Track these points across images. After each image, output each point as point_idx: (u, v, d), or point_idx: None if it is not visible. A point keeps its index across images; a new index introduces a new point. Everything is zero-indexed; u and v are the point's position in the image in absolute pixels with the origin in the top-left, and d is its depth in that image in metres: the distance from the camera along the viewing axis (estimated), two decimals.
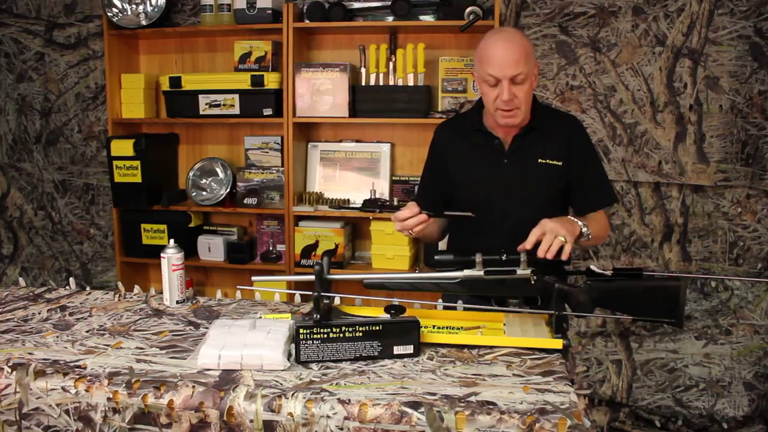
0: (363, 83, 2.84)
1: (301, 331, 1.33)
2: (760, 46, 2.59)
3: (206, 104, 2.91)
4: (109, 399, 1.22)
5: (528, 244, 1.48)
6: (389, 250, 2.85)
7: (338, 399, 1.16)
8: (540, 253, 1.46)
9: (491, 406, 1.14)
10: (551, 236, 1.47)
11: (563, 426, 1.09)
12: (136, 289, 1.88)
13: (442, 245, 2.06)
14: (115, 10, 2.93)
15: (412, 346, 1.37)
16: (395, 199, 2.91)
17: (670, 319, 1.47)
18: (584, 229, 1.61)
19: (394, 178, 2.98)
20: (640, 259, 2.82)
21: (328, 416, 1.15)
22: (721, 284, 2.74)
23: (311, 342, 1.34)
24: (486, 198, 1.78)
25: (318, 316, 1.37)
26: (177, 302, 1.73)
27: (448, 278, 1.47)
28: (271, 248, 3.01)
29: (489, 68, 1.65)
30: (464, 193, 1.83)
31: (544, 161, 1.76)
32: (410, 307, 1.58)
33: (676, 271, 2.75)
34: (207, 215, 3.18)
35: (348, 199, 2.92)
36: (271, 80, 2.84)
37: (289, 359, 1.33)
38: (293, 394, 1.18)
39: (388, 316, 1.38)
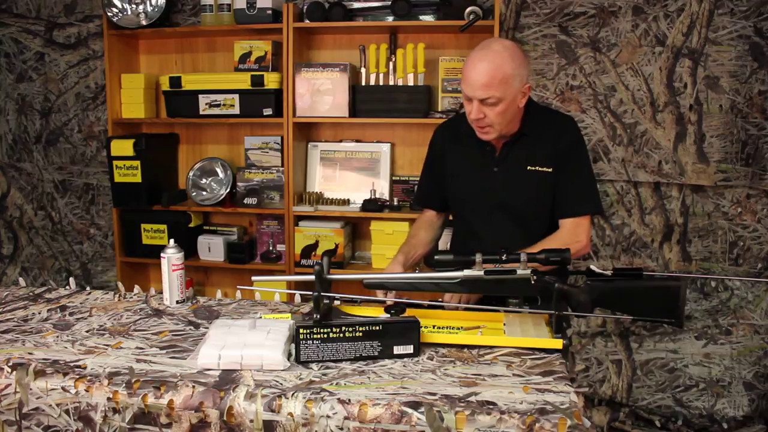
0: (363, 83, 2.84)
1: (301, 331, 1.33)
2: (760, 46, 2.59)
3: (206, 104, 2.91)
4: (109, 399, 1.22)
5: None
6: (389, 250, 2.84)
7: (338, 399, 1.16)
8: None
9: (491, 406, 1.14)
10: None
11: (563, 426, 1.09)
12: (136, 289, 1.88)
13: (443, 246, 2.07)
14: (115, 10, 2.93)
15: (412, 346, 1.37)
16: (395, 199, 2.92)
17: (670, 319, 1.47)
18: None
19: (394, 178, 2.98)
20: (640, 259, 2.82)
21: (328, 416, 1.15)
22: (721, 284, 2.74)
23: (311, 342, 1.34)
24: (477, 203, 1.80)
25: (318, 316, 1.37)
26: (177, 302, 1.73)
27: (448, 278, 1.47)
28: (271, 248, 3.01)
29: (463, 84, 1.65)
30: (457, 197, 1.86)
31: (533, 168, 1.73)
32: (410, 307, 1.58)
33: (676, 271, 2.75)
34: (207, 215, 3.18)
35: (348, 199, 2.92)
36: (271, 80, 2.84)
37: (289, 359, 1.33)
38: (293, 394, 1.18)
39: (388, 316, 1.38)
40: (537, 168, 1.73)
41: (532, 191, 1.75)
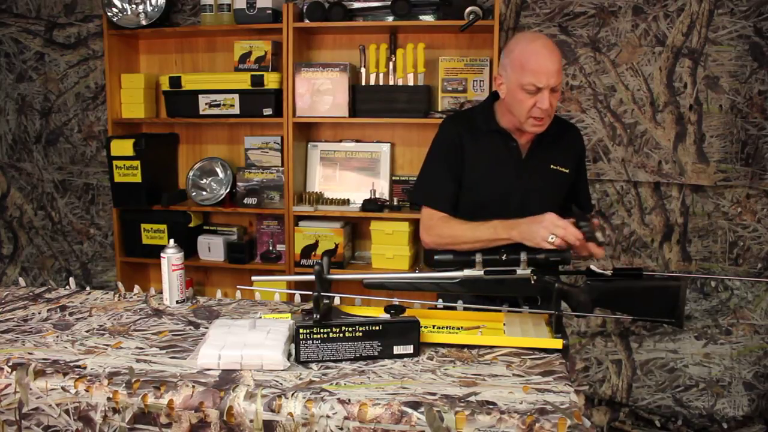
0: (363, 83, 2.84)
1: (301, 331, 1.33)
2: (760, 46, 2.59)
3: (206, 104, 2.91)
4: (109, 399, 1.22)
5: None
6: (389, 250, 2.85)
7: (338, 399, 1.16)
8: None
9: (491, 406, 1.14)
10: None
11: (563, 426, 1.09)
12: (136, 289, 1.88)
13: None
14: (115, 10, 2.93)
15: (412, 346, 1.37)
16: (395, 199, 2.92)
17: (670, 319, 1.47)
18: None
19: (394, 178, 2.98)
20: (640, 259, 2.82)
21: (328, 416, 1.15)
22: (721, 284, 2.74)
23: (311, 342, 1.34)
24: (501, 201, 1.76)
25: (318, 316, 1.37)
26: (177, 302, 1.73)
27: (448, 278, 1.47)
28: (271, 248, 3.01)
29: (532, 77, 1.59)
30: (478, 195, 1.78)
31: (555, 167, 1.76)
32: (410, 307, 1.58)
33: (676, 271, 2.75)
34: (207, 215, 3.17)
35: (348, 199, 2.92)
36: (271, 80, 2.84)
37: (289, 359, 1.33)
38: (293, 394, 1.18)
39: (388, 316, 1.38)
40: (558, 167, 1.77)
41: (552, 189, 1.78)
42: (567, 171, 1.78)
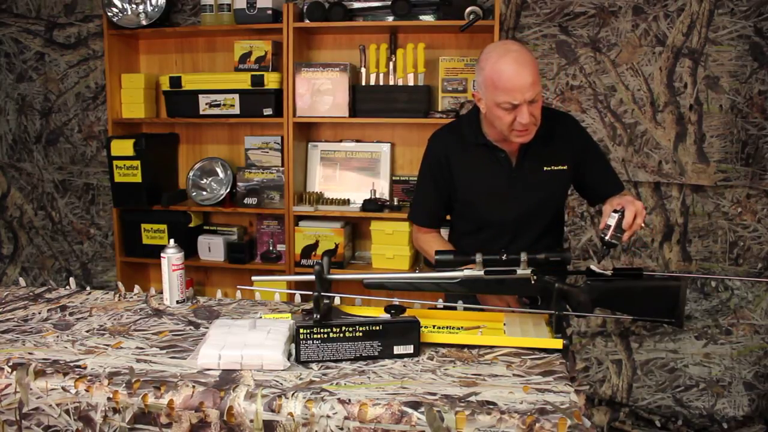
0: (363, 83, 2.84)
1: (301, 331, 1.33)
2: (760, 46, 2.59)
3: (206, 104, 2.91)
4: (109, 399, 1.22)
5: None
6: (389, 250, 2.85)
7: (338, 399, 1.16)
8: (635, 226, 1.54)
9: (491, 406, 1.14)
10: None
11: (563, 426, 1.09)
12: (136, 289, 1.88)
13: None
14: (115, 9, 2.93)
15: (412, 346, 1.37)
16: (395, 199, 2.92)
17: (670, 319, 1.47)
18: None
19: (394, 178, 2.98)
20: (640, 259, 2.82)
21: (328, 416, 1.15)
22: (721, 284, 2.74)
23: (311, 342, 1.34)
24: (496, 211, 1.76)
25: (318, 316, 1.37)
26: (177, 302, 1.73)
27: (448, 278, 1.47)
28: (271, 248, 3.01)
29: (506, 96, 1.55)
30: (473, 208, 1.80)
31: (549, 168, 1.73)
32: (410, 307, 1.58)
33: (676, 271, 2.75)
34: (207, 215, 3.18)
35: (348, 199, 2.92)
36: (271, 80, 2.84)
37: (289, 359, 1.33)
38: (293, 394, 1.18)
39: (388, 316, 1.38)
40: (553, 167, 1.74)
41: (551, 191, 1.77)
42: (565, 168, 1.74)
